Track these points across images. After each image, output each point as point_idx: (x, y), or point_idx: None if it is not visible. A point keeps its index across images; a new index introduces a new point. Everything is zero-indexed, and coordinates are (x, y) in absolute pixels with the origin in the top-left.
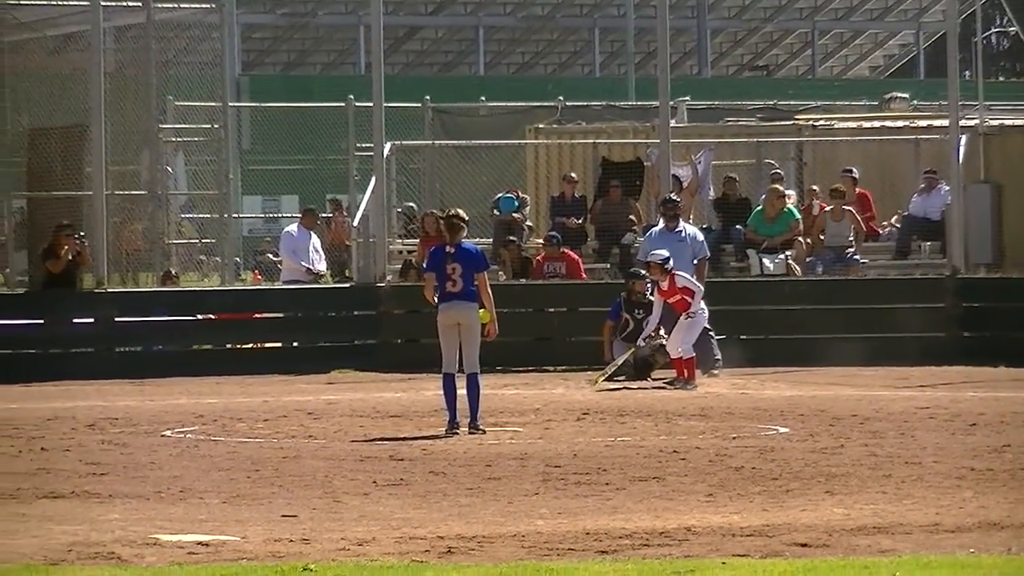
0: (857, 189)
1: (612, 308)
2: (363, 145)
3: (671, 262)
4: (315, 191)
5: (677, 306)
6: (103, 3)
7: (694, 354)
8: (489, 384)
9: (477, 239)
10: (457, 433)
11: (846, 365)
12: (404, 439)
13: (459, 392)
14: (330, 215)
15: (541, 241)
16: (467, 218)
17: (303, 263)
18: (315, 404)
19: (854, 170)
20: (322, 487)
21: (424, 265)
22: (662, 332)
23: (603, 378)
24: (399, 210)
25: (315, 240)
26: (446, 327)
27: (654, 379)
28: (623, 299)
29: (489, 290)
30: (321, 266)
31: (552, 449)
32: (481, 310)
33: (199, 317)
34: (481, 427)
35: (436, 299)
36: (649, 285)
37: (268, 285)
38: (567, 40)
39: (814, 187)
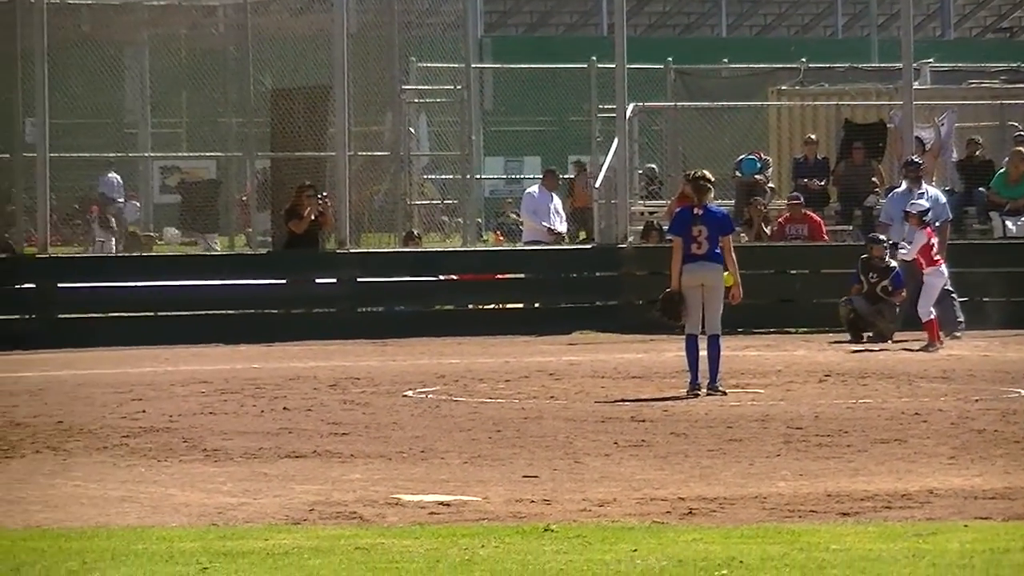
0: None
1: (853, 276)
2: (605, 106)
3: (930, 215)
4: (557, 152)
5: (917, 263)
6: None
7: (934, 316)
8: (730, 345)
9: (719, 201)
10: (698, 394)
11: None
12: (645, 400)
13: (701, 353)
14: (572, 177)
15: (784, 203)
16: (714, 180)
17: (544, 223)
18: (556, 365)
19: None
20: (563, 448)
21: (668, 227)
22: (896, 301)
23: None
24: (641, 171)
25: (556, 201)
26: (690, 288)
27: (895, 341)
28: (862, 263)
29: (734, 255)
30: (562, 227)
31: (793, 411)
32: (725, 273)
33: (441, 278)
34: (722, 388)
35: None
36: (887, 250)
37: (510, 246)
38: (809, 2)
39: None
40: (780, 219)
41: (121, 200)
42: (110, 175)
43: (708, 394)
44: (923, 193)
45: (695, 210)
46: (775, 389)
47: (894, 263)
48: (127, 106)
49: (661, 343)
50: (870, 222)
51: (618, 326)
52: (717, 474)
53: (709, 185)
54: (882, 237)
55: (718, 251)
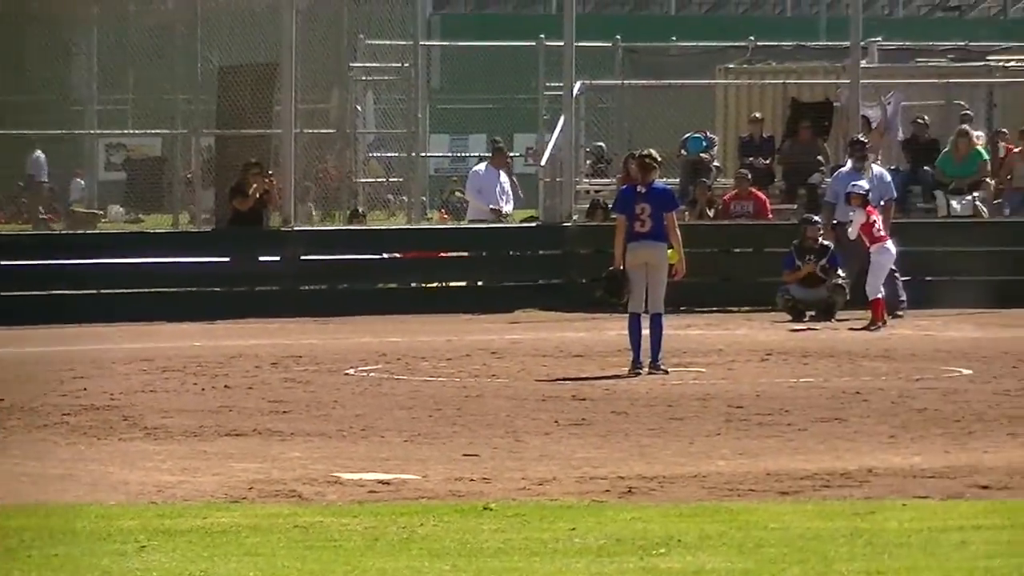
0: None
1: (787, 258)
2: (552, 84)
3: (872, 194)
4: (503, 130)
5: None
6: None
7: (882, 294)
8: (673, 324)
9: (665, 179)
10: (640, 373)
11: None
12: (586, 379)
13: (643, 332)
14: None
15: (730, 181)
16: (660, 159)
17: (490, 204)
18: (498, 343)
19: None
20: (504, 426)
21: (612, 205)
22: (841, 272)
23: None
24: (588, 150)
25: (503, 179)
26: (633, 267)
27: (839, 320)
28: (795, 246)
29: (678, 231)
30: (508, 207)
31: (734, 390)
32: (669, 250)
33: (385, 256)
34: (663, 367)
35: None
36: (821, 231)
37: (454, 224)
38: None
39: (1003, 129)
40: (726, 196)
41: (46, 180)
42: (36, 154)
43: (650, 373)
44: (868, 172)
45: (639, 188)
46: (717, 368)
47: (829, 243)
48: (73, 83)
49: (604, 321)
50: (815, 201)
51: (561, 304)
52: (657, 453)
53: (654, 164)
54: (816, 218)
55: (662, 229)
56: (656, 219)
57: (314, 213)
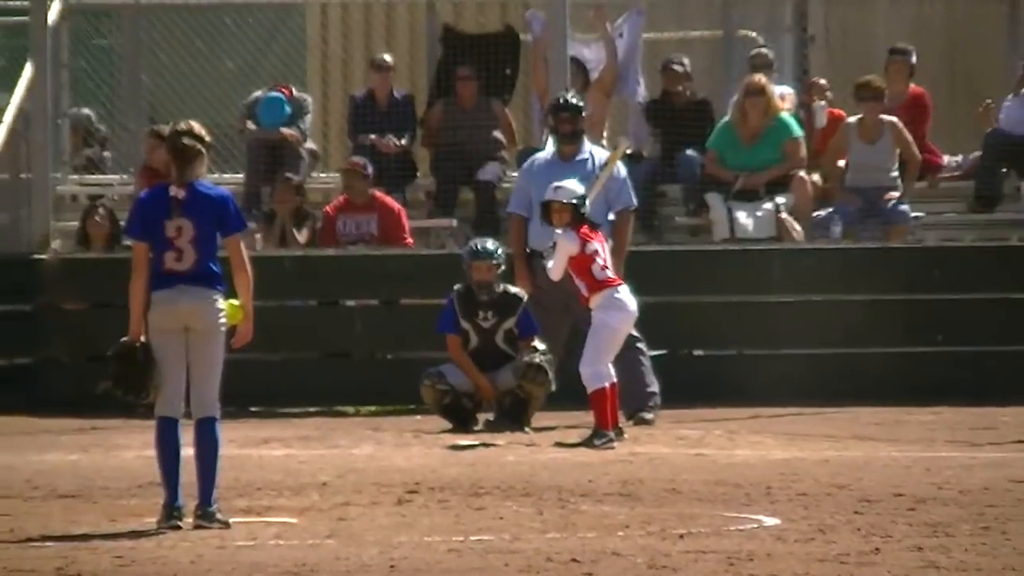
0: (911, 85)
1: (444, 314)
2: None
3: (587, 204)
4: None
5: (580, 297)
6: None
7: (606, 384)
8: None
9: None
10: (179, 527)
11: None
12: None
13: (185, 452)
14: None
15: (336, 174)
16: (207, 137)
17: None
18: None
19: (912, 51)
20: None
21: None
22: (538, 341)
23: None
24: None
25: None
26: (164, 334)
27: (533, 429)
28: (457, 296)
29: (248, 267)
30: None
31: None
32: (230, 302)
33: None
34: (221, 518)
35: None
36: (503, 266)
37: None
38: None
39: (821, 80)
40: (327, 208)
41: None
42: None
43: (197, 527)
44: (585, 159)
45: (173, 191)
46: (318, 517)
47: (516, 290)
48: None
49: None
50: (489, 212)
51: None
52: None
53: (199, 146)
54: (489, 246)
55: (214, 265)
56: (203, 246)
57: None
